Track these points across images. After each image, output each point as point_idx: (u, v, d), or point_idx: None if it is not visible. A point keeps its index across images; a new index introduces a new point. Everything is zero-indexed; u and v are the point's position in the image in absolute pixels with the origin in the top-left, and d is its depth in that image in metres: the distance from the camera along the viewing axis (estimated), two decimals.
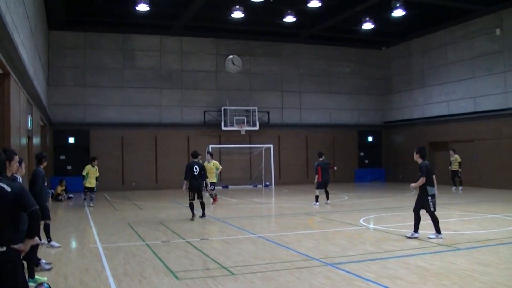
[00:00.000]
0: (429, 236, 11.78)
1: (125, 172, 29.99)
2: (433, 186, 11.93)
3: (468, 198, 22.26)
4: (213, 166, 21.08)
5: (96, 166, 21.09)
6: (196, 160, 16.76)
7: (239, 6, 26.18)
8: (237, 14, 26.68)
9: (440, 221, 11.90)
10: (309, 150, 34.26)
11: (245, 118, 32.06)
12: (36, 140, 19.37)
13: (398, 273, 8.61)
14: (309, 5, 25.37)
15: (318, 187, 20.03)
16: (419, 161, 12.30)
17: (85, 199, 21.57)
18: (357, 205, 20.33)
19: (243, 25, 30.15)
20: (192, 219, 16.07)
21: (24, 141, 14.75)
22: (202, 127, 32.02)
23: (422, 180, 11.83)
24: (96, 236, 13.20)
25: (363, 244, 11.28)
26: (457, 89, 30.27)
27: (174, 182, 29.90)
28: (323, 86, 35.58)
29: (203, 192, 17.24)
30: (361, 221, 15.29)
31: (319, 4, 25.25)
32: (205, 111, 31.83)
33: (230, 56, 33.17)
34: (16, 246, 5.01)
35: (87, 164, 21.17)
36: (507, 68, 26.96)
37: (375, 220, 15.99)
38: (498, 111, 27.32)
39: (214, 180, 21.14)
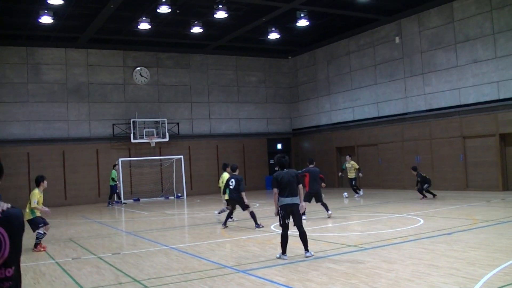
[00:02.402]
0: (277, 256, 10.68)
1: (32, 189, 28.80)
2: (284, 196, 10.54)
3: (373, 200, 23.05)
4: None
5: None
6: (235, 173, 16.52)
7: (146, 17, 26.07)
8: (144, 26, 26.57)
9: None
10: (220, 160, 34.47)
11: (154, 130, 31.86)
12: None
13: (308, 275, 8.85)
14: (215, 16, 25.58)
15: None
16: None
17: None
18: (268, 211, 20.58)
19: (151, 36, 30.04)
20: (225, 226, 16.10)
21: None
22: (111, 141, 31.52)
23: (274, 192, 10.69)
24: None
25: (274, 250, 11.48)
26: (361, 96, 31.35)
27: (83, 198, 29.33)
28: (232, 96, 35.89)
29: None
30: (272, 227, 15.53)
31: (226, 15, 25.51)
32: (113, 124, 31.36)
33: (138, 68, 32.88)
34: None
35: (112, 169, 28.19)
36: (406, 74, 28.24)
37: None
38: (399, 115, 28.61)
39: None
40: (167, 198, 31.50)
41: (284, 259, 10.41)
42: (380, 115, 29.96)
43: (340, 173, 26.88)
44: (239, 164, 32.95)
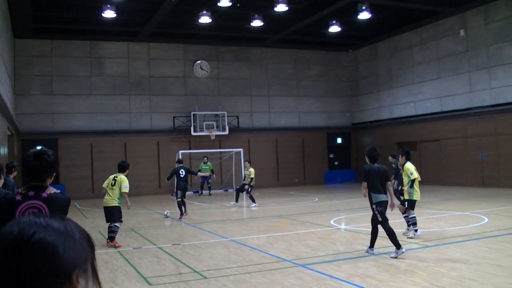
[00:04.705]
0: (391, 256, 10.01)
1: (95, 180, 29.55)
2: (379, 192, 10.24)
3: (435, 196, 22.55)
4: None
5: (208, 162, 29.81)
6: (182, 164, 18.82)
7: (206, 11, 26.21)
8: (205, 20, 26.71)
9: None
10: (279, 154, 34.46)
11: (214, 123, 32.07)
12: (3, 150, 19.13)
13: (369, 271, 8.73)
14: (276, 9, 25.48)
15: None
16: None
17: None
18: (328, 206, 20.49)
19: (211, 30, 30.18)
20: (180, 218, 17.50)
21: None
22: (172, 133, 31.91)
23: (363, 185, 10.48)
24: None
25: (334, 245, 11.40)
26: (423, 90, 30.69)
27: (144, 189, 29.76)
28: (292, 89, 35.76)
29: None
30: (331, 222, 15.43)
31: (286, 8, 25.37)
32: (174, 117, 31.73)
33: (198, 61, 33.14)
34: None
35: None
36: (471, 68, 27.46)
37: (345, 220, 16.15)
38: (463, 111, 27.82)
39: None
40: (226, 190, 31.66)
41: (402, 252, 9.80)
42: (443, 109, 29.25)
43: (243, 181, 22.72)
44: (298, 158, 33.26)
